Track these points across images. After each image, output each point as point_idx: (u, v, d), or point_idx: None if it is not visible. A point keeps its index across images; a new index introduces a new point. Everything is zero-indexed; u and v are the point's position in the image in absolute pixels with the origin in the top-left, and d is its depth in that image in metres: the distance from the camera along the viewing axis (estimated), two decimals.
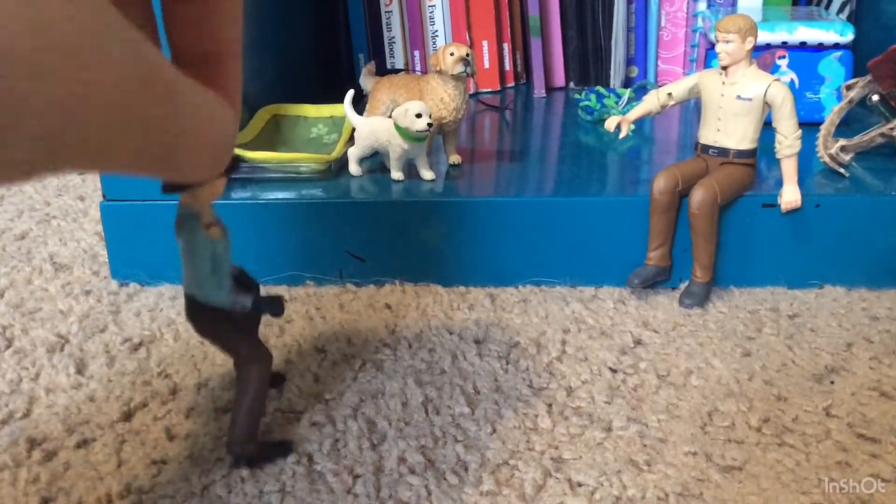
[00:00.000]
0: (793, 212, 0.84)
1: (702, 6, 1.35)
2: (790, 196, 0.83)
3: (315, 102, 1.09)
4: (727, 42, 0.80)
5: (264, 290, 0.86)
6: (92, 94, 0.17)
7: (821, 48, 1.09)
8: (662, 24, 1.39)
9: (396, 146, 0.90)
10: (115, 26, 0.18)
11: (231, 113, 0.26)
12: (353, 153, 0.94)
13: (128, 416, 0.67)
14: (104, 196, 0.89)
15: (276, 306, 0.59)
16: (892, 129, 0.92)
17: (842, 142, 0.92)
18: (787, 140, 0.81)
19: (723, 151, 0.84)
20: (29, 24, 0.16)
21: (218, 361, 0.74)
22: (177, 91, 0.21)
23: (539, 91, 1.36)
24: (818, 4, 1.34)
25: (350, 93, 0.94)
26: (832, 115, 0.94)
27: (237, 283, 0.62)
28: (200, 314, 0.57)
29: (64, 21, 0.16)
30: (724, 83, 0.82)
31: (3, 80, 0.15)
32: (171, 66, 0.21)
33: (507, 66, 1.42)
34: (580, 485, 0.58)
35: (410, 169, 0.94)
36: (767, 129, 0.83)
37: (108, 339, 0.79)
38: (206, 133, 0.23)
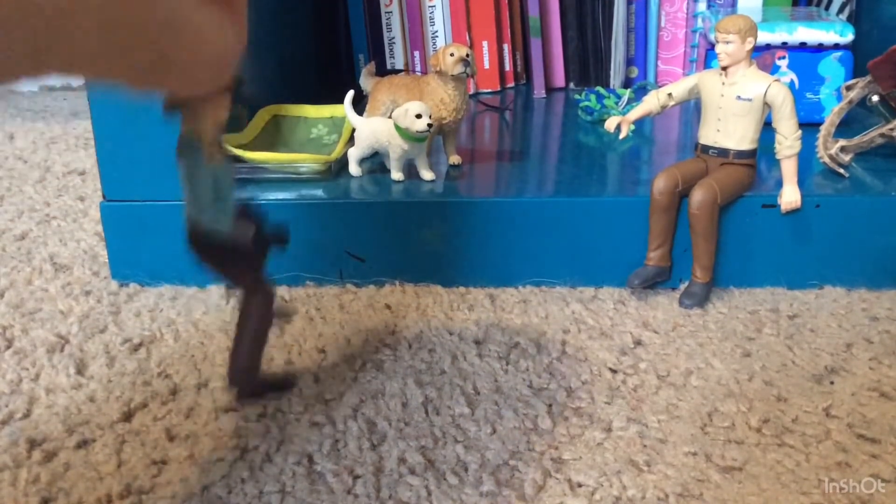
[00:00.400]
0: (793, 212, 0.84)
1: (702, 7, 1.35)
2: (790, 196, 0.83)
3: (315, 103, 1.09)
4: (727, 42, 0.80)
5: None
6: (75, 3, 0.17)
7: (821, 49, 1.09)
8: (662, 24, 1.39)
9: (396, 146, 0.90)
10: None
11: (234, 29, 0.25)
12: (353, 154, 0.94)
13: (128, 417, 0.67)
14: (104, 196, 0.89)
15: (280, 233, 0.57)
16: (891, 129, 0.92)
17: (842, 142, 0.92)
18: (787, 140, 0.81)
19: (723, 152, 0.84)
20: None
21: (218, 362, 0.74)
22: (173, 3, 0.21)
23: (539, 91, 1.36)
24: (818, 5, 1.34)
25: (350, 93, 0.94)
26: (832, 115, 0.94)
27: (241, 216, 0.61)
28: (204, 241, 0.55)
29: None
30: (724, 84, 0.82)
31: None
32: None
33: (507, 66, 1.42)
34: (580, 485, 0.58)
35: (410, 169, 0.94)
36: (767, 129, 0.83)
37: (108, 339, 0.79)
38: (205, 46, 0.22)
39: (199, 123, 0.51)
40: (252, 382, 0.57)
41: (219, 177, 0.53)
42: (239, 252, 0.56)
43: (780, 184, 0.84)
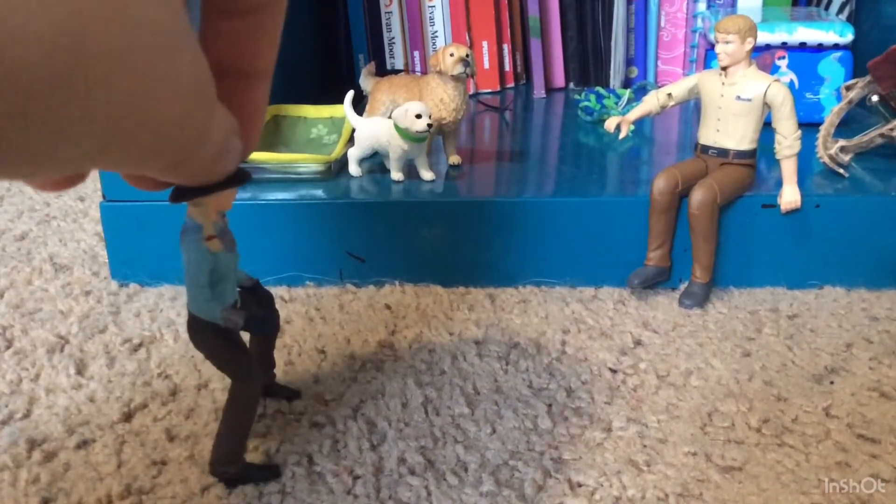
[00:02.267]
0: (792, 212, 0.84)
1: (701, 7, 1.35)
2: (790, 196, 0.83)
3: (315, 103, 1.08)
4: (727, 43, 0.80)
5: None
6: (156, 103, 0.17)
7: (820, 49, 1.09)
8: (662, 24, 1.39)
9: (396, 147, 0.90)
10: (189, 39, 0.18)
11: (227, 127, 0.25)
12: (353, 154, 0.94)
13: (128, 417, 0.67)
14: (104, 196, 0.89)
15: (266, 325, 0.58)
16: (891, 129, 0.92)
17: (841, 142, 0.92)
18: (787, 140, 0.81)
19: (722, 152, 0.84)
20: (112, 26, 0.16)
21: None
22: (216, 106, 0.21)
23: (539, 92, 1.36)
24: (818, 5, 1.34)
25: (350, 93, 0.94)
26: (832, 115, 0.94)
27: (252, 295, 0.62)
28: (195, 328, 0.56)
29: (147, 27, 0.16)
30: (723, 84, 0.82)
31: (79, 75, 0.15)
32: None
33: (507, 66, 1.42)
34: (580, 485, 0.58)
35: (410, 169, 0.94)
36: (767, 129, 0.83)
37: (108, 339, 0.79)
38: (217, 144, 0.23)
39: (202, 210, 0.53)
40: (233, 472, 0.58)
41: (219, 265, 0.54)
42: (228, 339, 0.56)
43: (779, 184, 0.84)
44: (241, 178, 0.27)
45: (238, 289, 0.60)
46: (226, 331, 0.56)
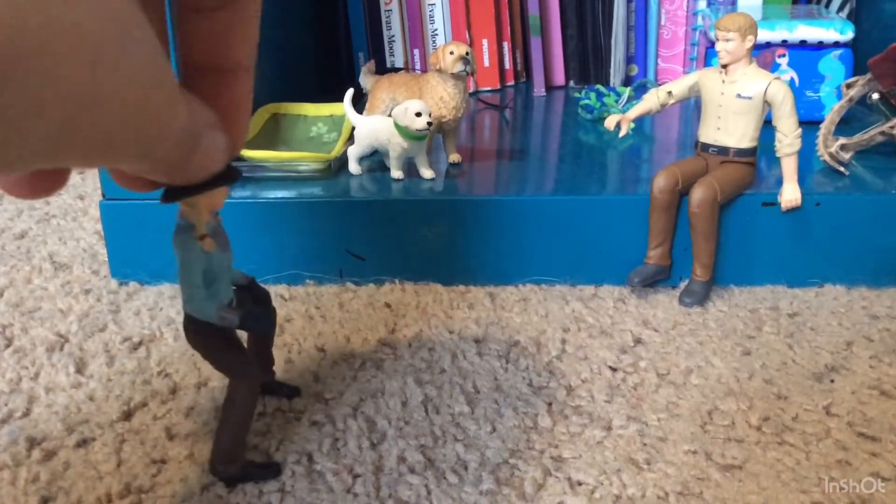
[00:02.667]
0: (793, 210, 0.84)
1: (702, 4, 1.35)
2: (790, 195, 0.83)
3: (315, 101, 1.08)
4: (727, 40, 0.80)
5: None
6: (110, 91, 0.17)
7: (821, 46, 1.09)
8: (662, 22, 1.39)
9: (396, 145, 0.90)
10: (139, 26, 0.18)
11: (231, 144, 0.25)
12: (353, 152, 0.94)
13: (127, 416, 0.67)
14: (104, 195, 0.89)
15: (262, 323, 0.57)
16: (892, 127, 0.92)
17: (842, 140, 0.92)
18: (787, 138, 0.81)
19: (723, 150, 0.83)
20: (51, 18, 0.15)
21: None
22: (178, 96, 0.21)
23: (539, 90, 1.36)
24: (818, 3, 1.34)
25: (350, 91, 0.94)
26: (832, 113, 0.94)
27: (247, 293, 0.62)
28: (191, 328, 0.56)
29: (89, 15, 0.16)
30: (724, 81, 0.82)
31: (19, 70, 0.15)
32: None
33: (507, 64, 1.42)
34: (580, 483, 0.58)
35: (410, 168, 0.94)
36: (767, 127, 0.83)
37: (108, 338, 0.79)
38: (184, 136, 0.23)
39: (193, 209, 0.52)
40: (232, 471, 0.58)
41: (212, 264, 0.53)
42: (225, 339, 0.56)
43: (780, 182, 0.84)
44: (229, 176, 0.27)
45: (234, 287, 0.59)
46: (222, 330, 0.55)
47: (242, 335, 0.67)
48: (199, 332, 0.56)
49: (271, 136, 1.03)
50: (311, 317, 0.82)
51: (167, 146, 0.21)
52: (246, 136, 0.28)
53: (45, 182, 0.23)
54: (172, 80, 0.20)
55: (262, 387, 0.68)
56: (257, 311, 0.59)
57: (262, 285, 0.63)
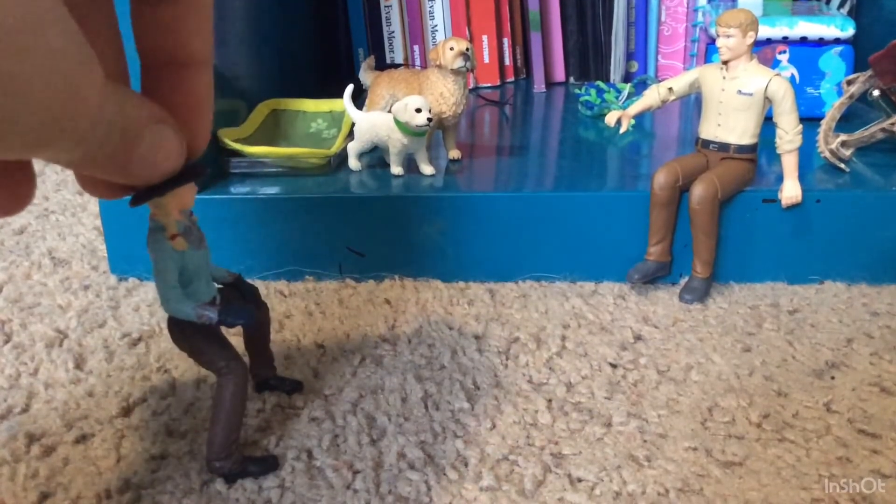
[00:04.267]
0: (793, 207, 0.84)
1: (702, 1, 1.34)
2: (791, 191, 0.83)
3: (314, 97, 1.08)
4: (728, 37, 0.80)
5: (263, 287, 0.86)
6: (29, 77, 0.17)
7: (821, 43, 1.09)
8: (663, 18, 1.38)
9: (396, 141, 0.90)
10: (55, 14, 0.18)
11: (181, 141, 0.25)
12: (353, 148, 0.93)
13: (127, 412, 0.67)
14: None
15: (241, 317, 0.57)
16: (892, 124, 0.92)
17: (842, 137, 0.92)
18: (788, 135, 0.81)
19: (723, 146, 0.83)
20: None
21: None
22: (106, 86, 0.21)
23: (539, 86, 1.36)
24: None
25: (349, 87, 0.93)
26: (833, 110, 0.94)
27: (235, 291, 0.62)
28: (174, 328, 0.56)
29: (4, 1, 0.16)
30: (724, 78, 0.82)
31: None
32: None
33: (507, 60, 1.42)
34: (580, 480, 0.58)
35: (410, 164, 0.94)
36: (768, 124, 0.83)
37: (107, 334, 0.78)
38: (122, 125, 0.23)
39: (161, 209, 0.52)
40: (229, 466, 0.57)
41: (187, 263, 0.53)
42: (207, 335, 0.56)
43: (780, 179, 0.84)
44: (192, 173, 0.27)
45: (220, 286, 0.59)
46: (203, 327, 0.55)
47: (239, 332, 0.67)
48: (182, 332, 0.56)
49: (271, 132, 1.02)
50: (310, 313, 0.82)
51: (98, 136, 0.21)
52: (208, 133, 0.27)
53: (14, 197, 0.23)
54: (96, 68, 0.20)
55: (263, 383, 0.68)
56: (235, 305, 0.59)
57: (251, 281, 0.63)
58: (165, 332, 0.79)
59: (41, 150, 0.19)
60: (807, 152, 0.92)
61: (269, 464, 0.59)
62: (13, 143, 0.18)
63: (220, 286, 0.60)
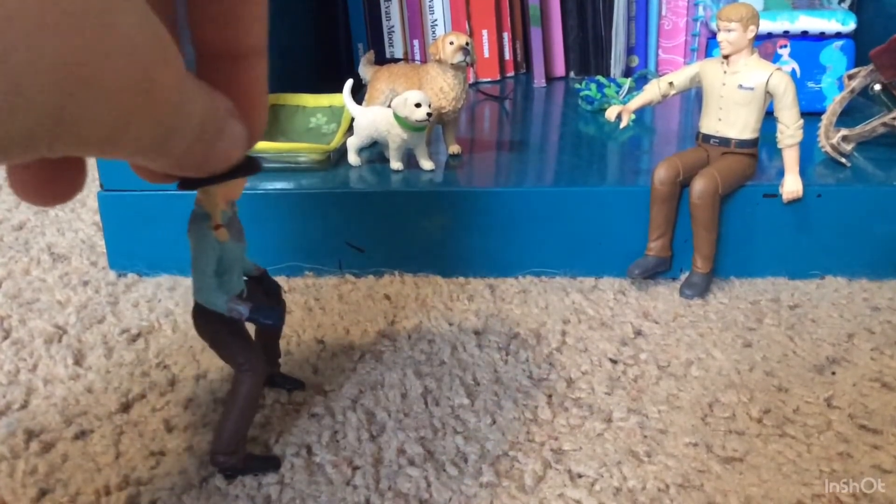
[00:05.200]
0: (794, 202, 0.83)
1: None
2: (791, 186, 0.82)
3: (314, 92, 1.08)
4: (729, 31, 0.79)
5: None
6: (101, 65, 0.16)
7: (822, 37, 1.08)
8: (663, 13, 1.38)
9: (396, 136, 0.89)
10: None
11: (211, 106, 0.25)
12: (353, 143, 0.93)
13: (126, 408, 0.66)
14: (102, 186, 0.89)
15: (272, 317, 0.56)
16: (893, 118, 0.91)
17: (843, 131, 0.91)
18: (789, 130, 0.81)
19: (724, 141, 0.83)
20: None
21: None
22: (182, 71, 0.20)
23: (539, 81, 1.36)
24: None
25: (349, 82, 0.93)
26: (834, 104, 0.93)
27: (258, 285, 0.61)
28: (200, 317, 0.56)
29: None
30: (725, 72, 0.81)
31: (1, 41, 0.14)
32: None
33: (507, 55, 1.41)
34: (580, 476, 0.58)
35: (410, 159, 0.93)
36: (769, 118, 0.82)
37: (107, 329, 0.78)
38: (199, 121, 0.22)
39: (209, 198, 0.52)
40: (233, 463, 0.57)
41: (225, 254, 0.53)
42: (233, 329, 0.56)
43: (781, 173, 0.83)
44: (250, 166, 0.27)
45: (245, 278, 0.59)
46: (230, 321, 0.55)
47: (250, 327, 0.67)
48: (208, 322, 0.56)
49: (270, 126, 1.02)
50: (310, 308, 0.82)
51: (187, 138, 0.20)
52: (265, 124, 0.27)
53: (54, 185, 0.22)
54: (176, 59, 0.19)
55: (268, 379, 0.68)
56: (267, 305, 0.59)
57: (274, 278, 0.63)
58: (165, 327, 0.79)
59: (114, 149, 0.19)
60: (808, 147, 0.91)
61: (271, 463, 0.59)
62: (87, 139, 0.17)
63: (246, 279, 0.59)
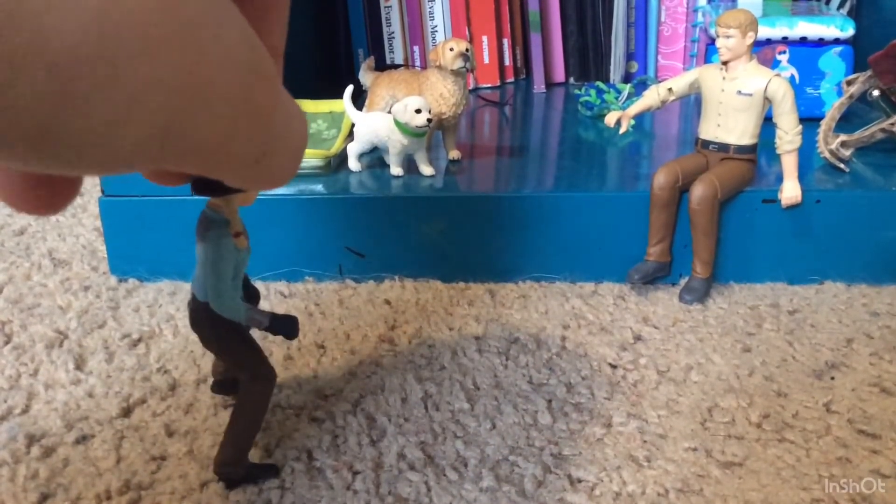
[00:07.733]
0: (793, 207, 0.84)
1: (702, 1, 1.34)
2: (790, 191, 0.82)
3: (314, 97, 1.08)
4: (728, 37, 0.80)
5: (263, 287, 0.86)
6: (211, 78, 0.16)
7: (821, 43, 1.08)
8: (662, 19, 1.38)
9: (396, 141, 0.90)
10: (230, 10, 0.17)
11: (304, 118, 0.24)
12: (353, 149, 0.93)
13: (127, 412, 0.67)
14: (103, 191, 0.89)
15: (290, 328, 0.55)
16: (892, 124, 0.92)
17: (842, 137, 0.91)
18: (788, 135, 0.81)
19: (723, 147, 0.83)
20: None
21: None
22: (278, 85, 0.19)
23: (539, 86, 1.36)
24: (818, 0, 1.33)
25: (349, 88, 0.93)
26: (832, 110, 0.94)
27: (245, 290, 0.61)
28: (208, 325, 0.55)
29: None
30: (724, 78, 0.81)
31: (110, 59, 0.14)
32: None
33: (507, 61, 1.42)
34: (580, 481, 0.58)
35: (410, 164, 0.94)
36: (768, 124, 0.83)
37: (107, 334, 0.78)
38: (293, 136, 0.21)
39: (229, 205, 0.51)
40: (236, 473, 0.57)
41: (240, 261, 0.53)
42: (244, 337, 0.55)
43: (780, 179, 0.84)
44: None
45: None
46: (238, 328, 0.54)
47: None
48: (214, 328, 0.55)
49: None
50: (310, 313, 0.82)
51: (285, 147, 0.19)
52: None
53: (49, 195, 0.21)
54: (272, 73, 0.18)
55: (230, 383, 0.66)
56: (287, 316, 0.57)
57: (255, 283, 0.62)
58: (165, 332, 0.79)
59: (214, 166, 0.18)
60: (807, 152, 0.91)
61: (271, 472, 0.59)
62: (194, 150, 0.17)
63: None
